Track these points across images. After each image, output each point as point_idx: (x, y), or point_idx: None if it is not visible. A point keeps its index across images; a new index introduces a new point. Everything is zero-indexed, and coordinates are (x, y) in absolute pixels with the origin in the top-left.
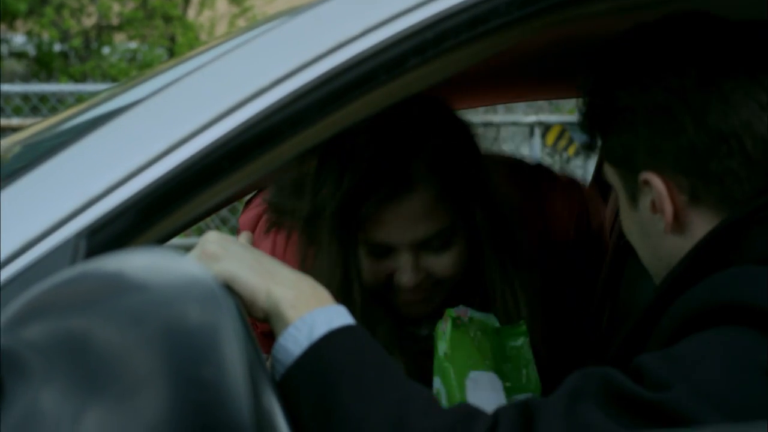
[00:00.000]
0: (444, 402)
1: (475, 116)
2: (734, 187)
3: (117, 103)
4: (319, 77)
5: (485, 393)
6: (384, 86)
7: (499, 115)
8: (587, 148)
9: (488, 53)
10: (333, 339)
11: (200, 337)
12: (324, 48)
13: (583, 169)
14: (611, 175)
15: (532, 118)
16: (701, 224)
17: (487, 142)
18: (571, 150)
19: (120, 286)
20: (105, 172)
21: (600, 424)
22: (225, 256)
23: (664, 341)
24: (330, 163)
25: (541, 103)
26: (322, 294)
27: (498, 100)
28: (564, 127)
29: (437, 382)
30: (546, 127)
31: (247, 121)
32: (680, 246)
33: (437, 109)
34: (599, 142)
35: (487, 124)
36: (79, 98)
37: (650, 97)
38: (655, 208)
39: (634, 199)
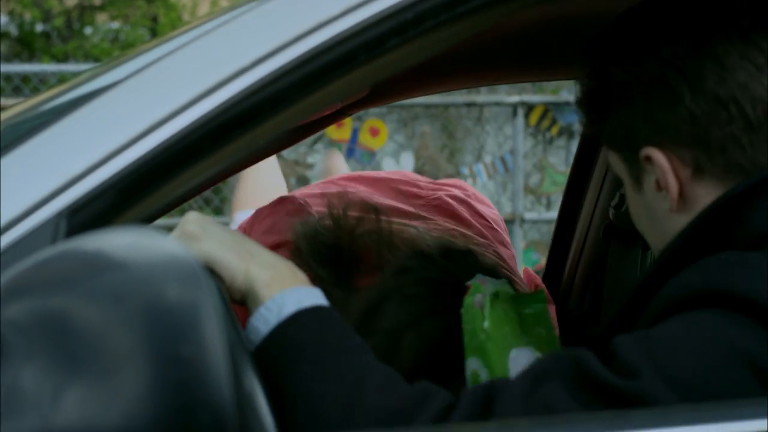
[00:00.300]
0: None
1: (458, 96)
2: (738, 155)
3: (99, 83)
4: (300, 57)
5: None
6: (364, 66)
7: (482, 95)
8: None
9: (468, 33)
10: (299, 319)
11: (180, 315)
12: (304, 28)
13: (566, 150)
14: (615, 161)
15: (515, 99)
16: (707, 199)
17: (470, 123)
18: (554, 130)
19: (100, 265)
20: (86, 151)
21: (563, 405)
22: (204, 237)
23: (650, 322)
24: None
25: (523, 83)
26: (299, 275)
27: (480, 82)
28: (547, 108)
29: (474, 364)
30: (529, 108)
31: (228, 100)
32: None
33: None
34: (598, 128)
35: (470, 105)
36: (62, 78)
37: (645, 70)
38: (660, 185)
39: (638, 180)
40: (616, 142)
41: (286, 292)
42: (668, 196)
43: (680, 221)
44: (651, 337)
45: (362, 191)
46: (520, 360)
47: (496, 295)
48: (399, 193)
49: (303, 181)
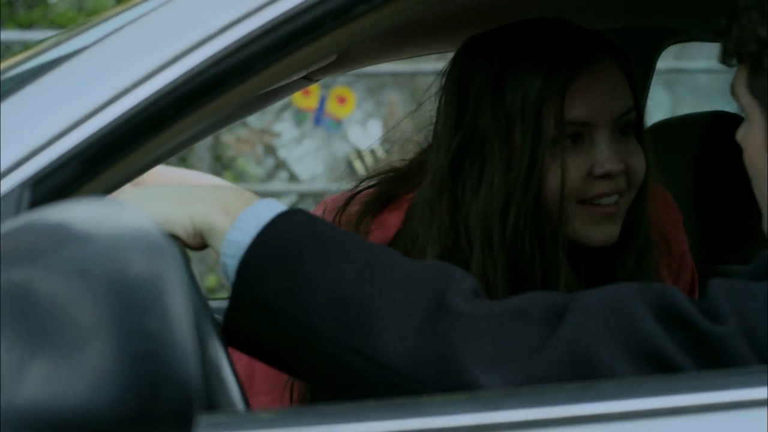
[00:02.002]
0: None
1: (425, 65)
2: None
3: (62, 51)
4: (266, 24)
5: None
6: (332, 33)
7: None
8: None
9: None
10: (284, 219)
11: (144, 287)
12: None
13: None
14: (749, 105)
15: None
16: None
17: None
18: None
19: (64, 236)
20: (49, 121)
21: (646, 326)
22: (139, 204)
23: (758, 275)
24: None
25: None
26: (248, 195)
27: (449, 47)
28: None
29: None
30: None
31: (194, 68)
32: None
33: None
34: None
35: (438, 73)
36: (26, 46)
37: None
38: None
39: None
40: (765, 99)
41: (254, 205)
42: None
43: None
44: (750, 290)
45: None
46: None
47: None
48: None
49: (270, 150)
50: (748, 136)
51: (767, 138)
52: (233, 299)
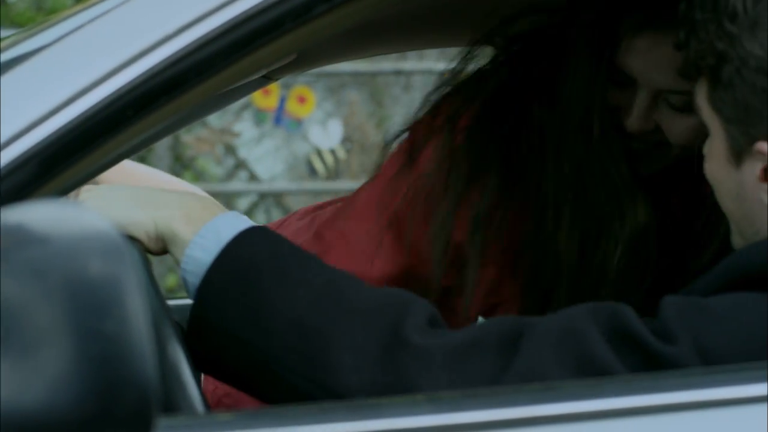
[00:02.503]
0: None
1: (386, 64)
2: None
3: (20, 50)
4: (225, 24)
5: None
6: (291, 33)
7: (410, 62)
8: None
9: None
10: (244, 238)
11: (102, 290)
12: None
13: None
14: (710, 118)
15: (443, 66)
16: None
17: (398, 91)
18: None
19: (21, 238)
20: (7, 120)
21: (598, 352)
22: (101, 205)
23: (709, 290)
24: None
25: (452, 50)
26: (211, 204)
27: (410, 47)
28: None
29: None
30: None
31: (152, 68)
32: None
33: None
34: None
35: (398, 73)
36: None
37: None
38: (765, 177)
39: (738, 157)
40: (725, 112)
41: (215, 220)
42: None
43: None
44: (702, 306)
45: None
46: None
47: None
48: None
49: (230, 150)
50: (710, 149)
51: (728, 150)
52: (193, 321)
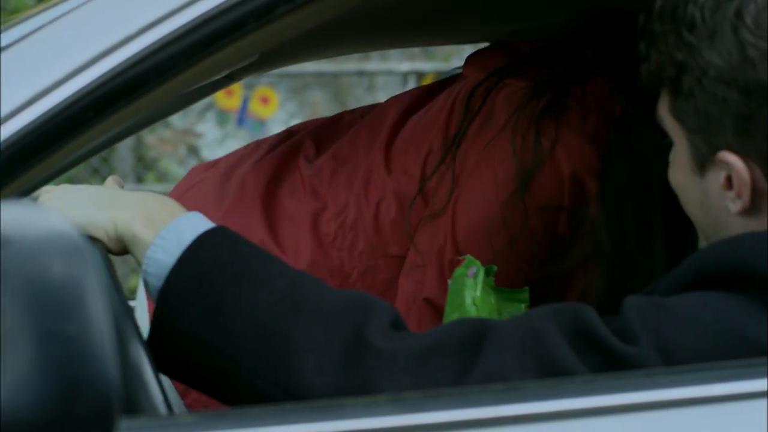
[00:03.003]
0: None
1: (349, 65)
2: None
3: None
4: (187, 24)
5: None
6: (254, 33)
7: (373, 63)
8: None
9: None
10: (205, 240)
11: (63, 291)
12: None
13: None
14: (673, 129)
15: (406, 67)
16: None
17: (361, 91)
18: None
19: None
20: None
21: (560, 354)
22: (61, 206)
23: (672, 289)
24: None
25: (415, 50)
26: (172, 205)
27: (373, 47)
28: (438, 76)
29: None
30: (420, 76)
31: (113, 69)
32: (747, 227)
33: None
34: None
35: (361, 73)
36: None
37: (754, 74)
38: (730, 185)
39: (702, 167)
40: (687, 122)
41: (176, 221)
42: (737, 200)
43: (740, 222)
44: (664, 306)
45: None
46: None
47: (486, 273)
48: None
49: (193, 150)
50: (675, 158)
51: (692, 160)
52: (155, 325)
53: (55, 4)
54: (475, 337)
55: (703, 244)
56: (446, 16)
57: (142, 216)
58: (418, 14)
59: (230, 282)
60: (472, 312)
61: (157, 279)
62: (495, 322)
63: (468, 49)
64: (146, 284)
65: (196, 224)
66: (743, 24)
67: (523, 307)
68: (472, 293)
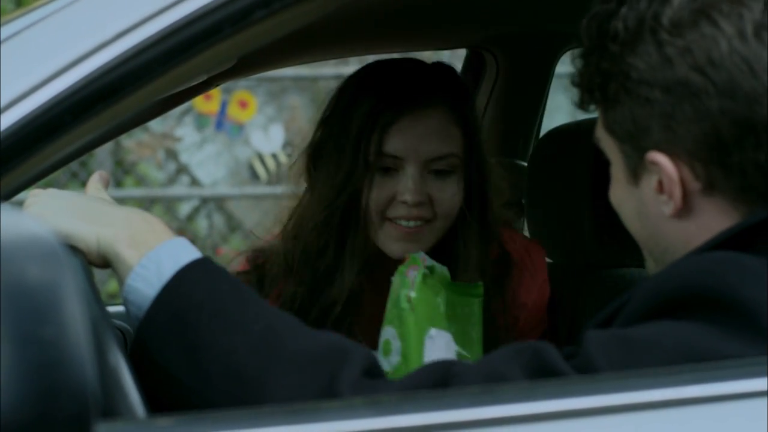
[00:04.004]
0: (397, 357)
1: (327, 69)
2: (758, 180)
3: None
4: (164, 30)
5: (440, 354)
6: (230, 39)
7: (350, 67)
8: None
9: (335, 5)
10: (185, 275)
11: (40, 296)
12: (168, 1)
13: None
14: (609, 147)
15: None
16: (713, 213)
17: None
18: None
19: None
20: None
21: None
22: (47, 213)
23: (631, 319)
24: (355, 82)
25: (394, 56)
26: (158, 227)
27: (349, 53)
28: None
29: (389, 333)
30: None
31: (90, 74)
32: (685, 231)
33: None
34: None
35: (339, 77)
36: None
37: (674, 73)
38: (662, 188)
39: (635, 175)
40: (617, 132)
41: (158, 249)
42: (669, 202)
43: (677, 226)
44: (623, 338)
45: None
46: (437, 342)
47: (431, 270)
48: None
49: (171, 154)
50: (613, 175)
51: (626, 171)
52: (134, 354)
53: (32, 10)
54: (441, 383)
55: (649, 263)
56: (422, 22)
57: (126, 236)
58: (394, 20)
59: (207, 323)
60: (407, 309)
61: (137, 309)
62: (458, 367)
63: (445, 55)
64: (126, 308)
65: (178, 253)
66: (660, 25)
67: (476, 302)
68: (406, 292)
